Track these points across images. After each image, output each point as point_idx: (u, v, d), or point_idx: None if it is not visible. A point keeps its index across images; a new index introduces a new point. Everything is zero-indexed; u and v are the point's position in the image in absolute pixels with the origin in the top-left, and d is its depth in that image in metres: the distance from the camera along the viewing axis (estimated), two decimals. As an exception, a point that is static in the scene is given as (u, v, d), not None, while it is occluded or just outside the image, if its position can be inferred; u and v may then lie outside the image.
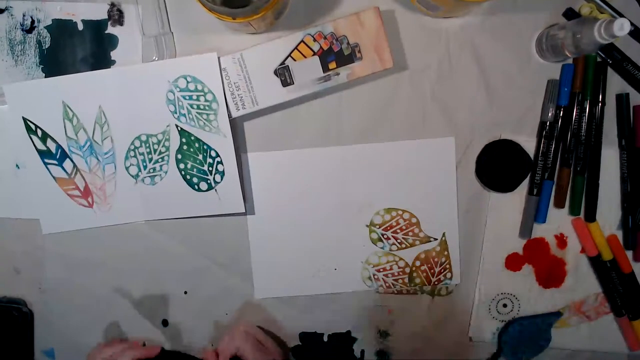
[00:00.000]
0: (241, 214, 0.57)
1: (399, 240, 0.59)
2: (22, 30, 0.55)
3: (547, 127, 0.56)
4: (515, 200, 0.59)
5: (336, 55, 0.52)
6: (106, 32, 0.55)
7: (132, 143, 0.55)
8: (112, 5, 0.55)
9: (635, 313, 0.59)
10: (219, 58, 0.52)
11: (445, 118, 0.57)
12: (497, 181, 0.57)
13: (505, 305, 0.60)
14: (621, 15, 0.55)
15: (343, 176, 0.58)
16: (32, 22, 0.55)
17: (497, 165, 0.57)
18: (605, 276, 0.59)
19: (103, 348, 0.56)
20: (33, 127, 0.55)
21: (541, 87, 0.57)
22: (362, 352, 0.61)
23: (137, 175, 0.56)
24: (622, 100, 0.57)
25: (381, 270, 0.59)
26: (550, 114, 0.56)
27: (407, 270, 0.59)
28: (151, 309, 0.60)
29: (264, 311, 0.60)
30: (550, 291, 0.60)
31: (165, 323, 0.60)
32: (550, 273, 0.60)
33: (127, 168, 0.56)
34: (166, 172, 0.55)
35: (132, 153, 0.55)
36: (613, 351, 0.62)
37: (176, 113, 0.54)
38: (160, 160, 0.55)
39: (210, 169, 0.55)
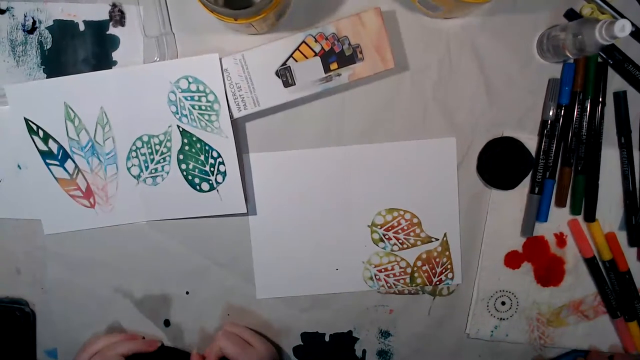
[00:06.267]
0: (243, 215, 0.57)
1: (400, 241, 0.59)
2: (24, 31, 0.55)
3: (549, 126, 0.56)
4: (516, 198, 0.59)
5: (337, 56, 0.52)
6: (107, 32, 0.55)
7: (134, 144, 0.55)
8: (114, 6, 0.55)
9: (631, 314, 0.60)
10: (220, 59, 0.52)
11: (446, 118, 0.57)
12: (499, 178, 0.58)
13: (503, 303, 0.60)
14: (622, 16, 0.55)
15: (344, 177, 0.58)
16: (34, 22, 0.55)
17: (499, 163, 0.57)
18: (601, 278, 0.60)
19: (103, 337, 0.57)
20: (35, 127, 0.55)
21: (542, 87, 0.57)
22: (364, 352, 0.61)
23: (139, 176, 0.56)
24: (620, 98, 0.57)
25: (383, 270, 0.59)
26: (551, 113, 0.56)
27: (409, 270, 0.59)
28: (153, 309, 0.60)
29: (266, 311, 0.60)
30: (549, 290, 0.60)
31: (167, 323, 0.60)
32: (549, 272, 0.60)
33: (128, 169, 0.56)
34: (168, 173, 0.55)
35: (133, 154, 0.55)
36: (611, 351, 0.62)
37: (178, 114, 0.54)
38: (162, 160, 0.55)
39: (212, 169, 0.55)
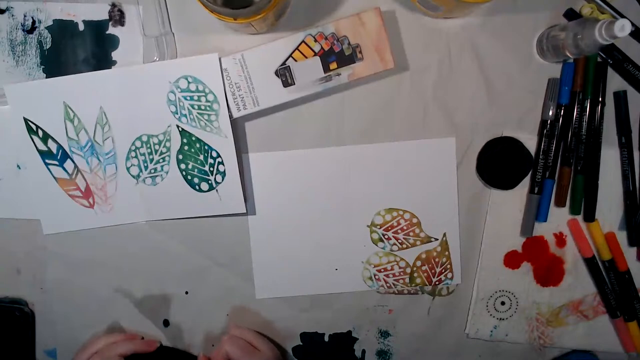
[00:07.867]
0: (242, 214, 0.57)
1: (399, 241, 0.59)
2: (23, 30, 0.55)
3: (548, 126, 0.56)
4: (516, 198, 0.59)
5: (337, 55, 0.52)
6: (107, 32, 0.55)
7: (133, 143, 0.55)
8: (113, 5, 0.55)
9: (630, 314, 0.60)
10: (220, 58, 0.52)
11: (446, 118, 0.57)
12: (498, 178, 0.57)
13: (503, 303, 0.60)
14: (622, 16, 0.55)
15: (344, 176, 0.58)
16: (33, 22, 0.55)
17: (498, 162, 0.57)
18: (601, 278, 0.60)
19: (103, 336, 0.57)
20: (34, 127, 0.55)
21: (542, 87, 0.57)
22: (363, 352, 0.61)
23: (138, 176, 0.56)
24: (620, 97, 0.57)
25: (382, 270, 0.59)
26: (551, 112, 0.56)
27: (408, 270, 0.59)
28: (152, 309, 0.60)
29: (265, 311, 0.60)
30: (548, 290, 0.60)
31: (166, 323, 0.60)
32: (549, 271, 0.60)
33: (128, 168, 0.56)
34: (167, 173, 0.55)
35: (133, 153, 0.55)
36: (610, 350, 0.62)
37: (177, 113, 0.54)
38: (161, 160, 0.55)
39: (211, 169, 0.55)
